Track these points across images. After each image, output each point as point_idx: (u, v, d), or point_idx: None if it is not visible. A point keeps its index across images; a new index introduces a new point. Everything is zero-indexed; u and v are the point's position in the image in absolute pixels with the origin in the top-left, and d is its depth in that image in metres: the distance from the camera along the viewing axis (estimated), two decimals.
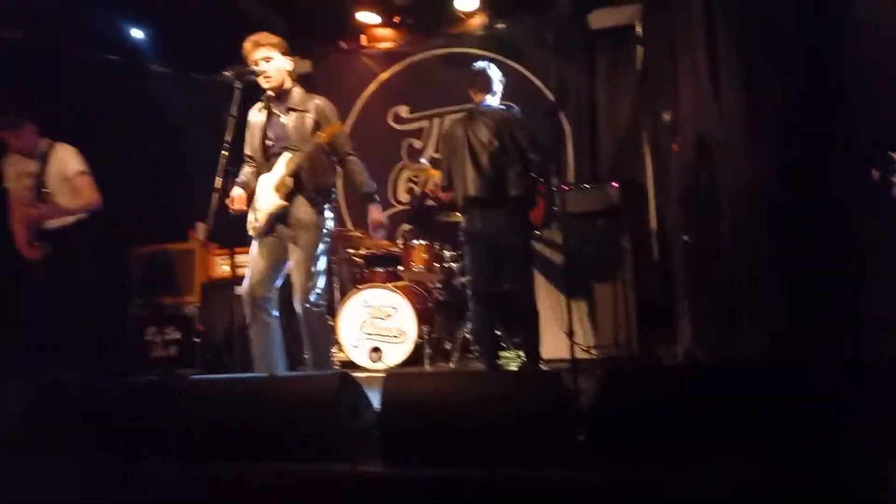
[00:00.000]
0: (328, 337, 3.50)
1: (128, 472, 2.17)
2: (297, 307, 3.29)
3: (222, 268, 5.12)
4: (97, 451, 2.23)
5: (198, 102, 5.87)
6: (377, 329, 4.70)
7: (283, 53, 3.31)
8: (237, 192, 3.34)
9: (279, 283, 3.43)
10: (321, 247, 3.32)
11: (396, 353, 4.62)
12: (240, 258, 4.83)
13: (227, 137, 3.13)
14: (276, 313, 3.39)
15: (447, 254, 4.88)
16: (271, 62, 3.27)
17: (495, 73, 3.95)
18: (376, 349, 4.66)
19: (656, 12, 4.52)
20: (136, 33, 5.62)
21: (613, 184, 4.62)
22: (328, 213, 3.38)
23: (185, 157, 5.71)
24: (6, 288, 4.38)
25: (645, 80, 5.16)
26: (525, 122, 3.75)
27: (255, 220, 3.36)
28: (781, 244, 2.45)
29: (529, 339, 3.80)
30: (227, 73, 3.24)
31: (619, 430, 1.98)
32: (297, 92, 3.38)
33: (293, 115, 3.32)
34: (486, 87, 3.89)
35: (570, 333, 3.08)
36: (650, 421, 1.95)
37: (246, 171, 3.43)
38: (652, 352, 4.32)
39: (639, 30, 5.32)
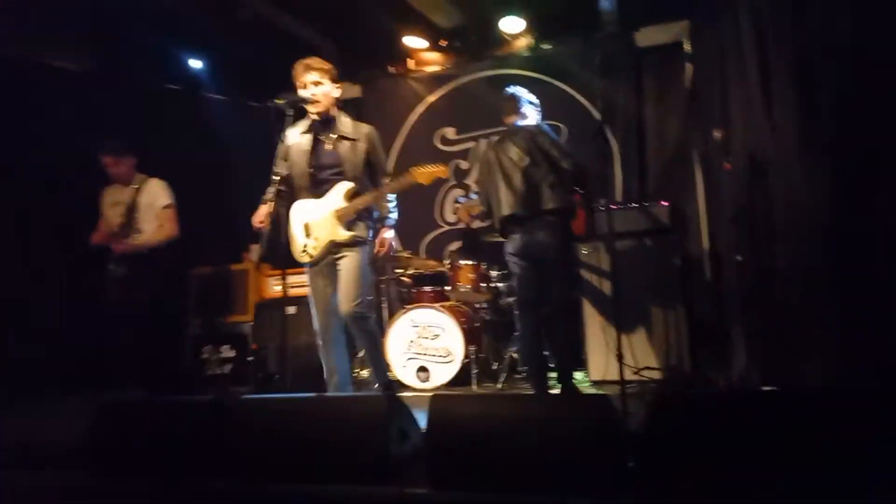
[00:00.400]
0: (372, 345, 3.55)
1: (183, 489, 2.23)
2: (344, 315, 3.36)
3: (274, 288, 5.25)
4: (156, 468, 2.30)
5: (252, 128, 6.09)
6: (424, 349, 4.72)
7: (332, 80, 3.38)
8: (264, 209, 3.36)
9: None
10: (366, 258, 3.41)
11: (443, 373, 4.63)
12: (291, 279, 4.97)
13: (278, 161, 3.20)
14: (342, 340, 3.54)
15: (494, 274, 4.88)
16: (320, 87, 3.33)
17: (524, 95, 4.04)
18: (423, 369, 4.68)
19: (705, 29, 4.46)
20: (195, 63, 5.87)
21: (663, 203, 4.54)
22: (370, 227, 3.47)
23: (240, 181, 5.92)
24: (81, 309, 4.64)
25: (694, 97, 5.08)
26: (553, 137, 3.80)
27: (307, 246, 3.41)
28: (838, 265, 2.36)
29: (562, 359, 3.77)
30: (279, 101, 3.33)
31: (670, 455, 1.93)
32: (346, 120, 3.45)
33: (345, 143, 3.37)
34: (514, 109, 3.99)
35: (620, 356, 3.03)
36: (703, 447, 1.90)
37: (272, 191, 3.31)
38: (704, 375, 4.20)
39: (687, 47, 5.26)
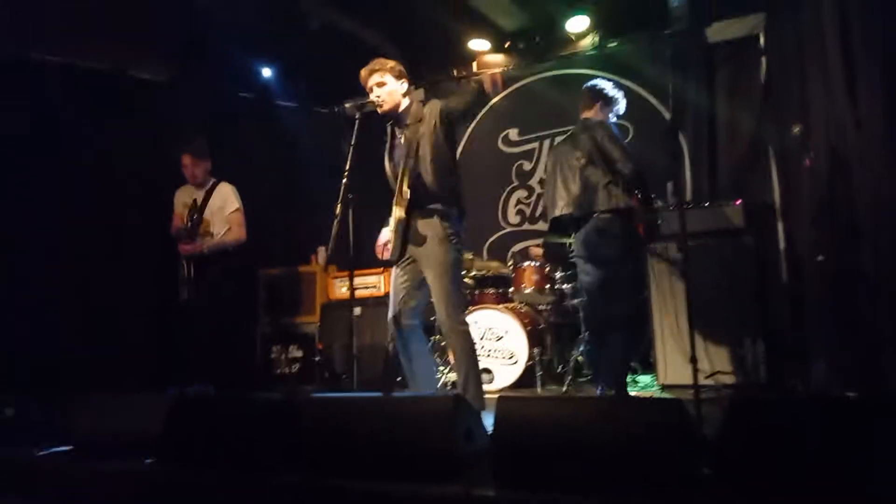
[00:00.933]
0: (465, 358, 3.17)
1: (254, 484, 2.30)
2: (441, 326, 3.20)
3: (341, 290, 5.35)
4: (226, 461, 2.38)
5: (321, 134, 6.24)
6: (488, 350, 4.71)
7: (397, 77, 3.30)
8: (382, 238, 3.37)
9: (422, 307, 3.31)
10: (452, 257, 3.16)
11: (507, 375, 4.61)
12: (358, 280, 5.07)
13: (347, 166, 3.25)
14: (420, 341, 3.30)
15: (558, 275, 4.82)
16: (384, 87, 3.28)
17: (601, 90, 3.89)
18: (487, 370, 4.67)
19: (782, 20, 4.28)
20: (266, 72, 6.07)
21: (736, 202, 4.38)
22: (453, 223, 3.21)
23: (308, 186, 6.08)
24: (159, 309, 4.88)
25: (770, 92, 4.88)
26: (616, 137, 3.66)
27: (391, 246, 3.32)
28: None
29: (613, 361, 3.63)
30: (347, 105, 3.38)
31: (747, 464, 1.85)
32: (415, 106, 3.32)
33: (409, 129, 3.27)
34: (587, 105, 3.87)
35: (694, 360, 2.93)
36: (781, 456, 1.82)
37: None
38: (781, 381, 4.02)
39: (761, 41, 5.06)
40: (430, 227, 3.18)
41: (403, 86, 3.33)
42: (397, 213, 3.25)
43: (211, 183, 4.67)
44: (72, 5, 4.64)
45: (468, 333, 3.17)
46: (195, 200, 4.60)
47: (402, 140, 3.30)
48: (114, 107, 5.22)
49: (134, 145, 5.31)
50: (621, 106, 3.94)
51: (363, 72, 3.36)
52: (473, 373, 3.12)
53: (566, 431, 2.04)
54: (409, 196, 3.18)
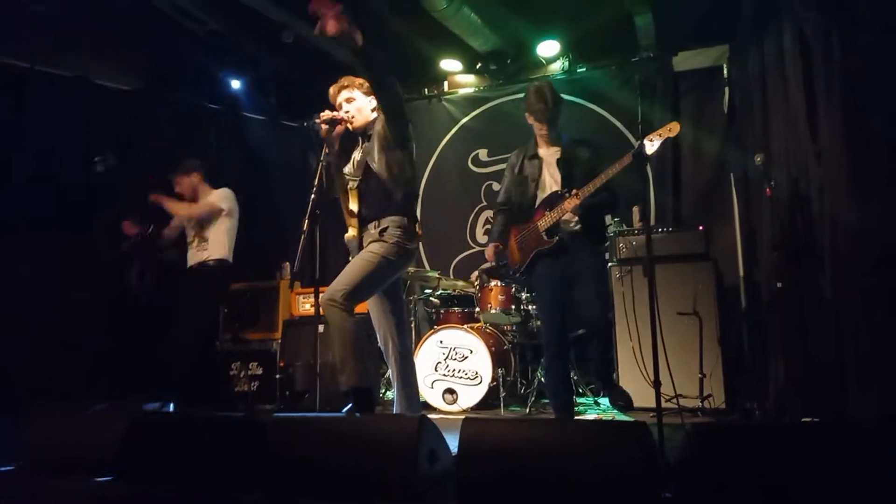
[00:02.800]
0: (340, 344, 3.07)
1: (211, 502, 2.22)
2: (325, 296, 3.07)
3: (304, 306, 5.27)
4: (185, 480, 2.30)
5: (290, 148, 6.19)
6: (452, 370, 4.68)
7: (366, 93, 3.27)
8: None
9: (398, 315, 3.28)
10: (375, 262, 3.05)
11: (471, 396, 4.57)
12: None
13: (316, 181, 3.21)
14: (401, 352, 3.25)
15: (524, 296, 4.84)
16: (353, 103, 3.25)
17: None
18: (451, 391, 4.63)
19: (746, 52, 4.41)
20: (235, 83, 6.00)
21: (699, 227, 4.47)
22: (394, 236, 3.09)
23: (276, 200, 6.01)
24: (121, 320, 4.74)
25: (733, 121, 5.02)
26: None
27: None
28: (892, 294, 2.27)
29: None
30: (316, 120, 3.34)
31: (708, 489, 1.86)
32: (379, 120, 3.22)
33: (365, 145, 3.25)
34: None
35: (658, 383, 2.94)
36: (743, 482, 1.83)
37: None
38: (741, 404, 4.08)
39: (725, 71, 5.21)
40: (371, 238, 3.15)
41: (372, 102, 3.29)
42: (350, 232, 3.27)
43: (204, 193, 4.62)
44: (36, 11, 4.54)
45: (343, 315, 3.01)
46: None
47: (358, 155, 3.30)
48: (77, 113, 5.10)
49: (98, 153, 5.19)
50: None
51: (332, 88, 3.33)
52: (348, 351, 3.03)
53: (531, 454, 2.03)
54: (357, 212, 3.20)
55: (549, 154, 3.46)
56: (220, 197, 4.52)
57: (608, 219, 4.72)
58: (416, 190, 3.29)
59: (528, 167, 3.50)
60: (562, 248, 3.30)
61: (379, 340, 3.32)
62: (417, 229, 3.20)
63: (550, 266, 3.33)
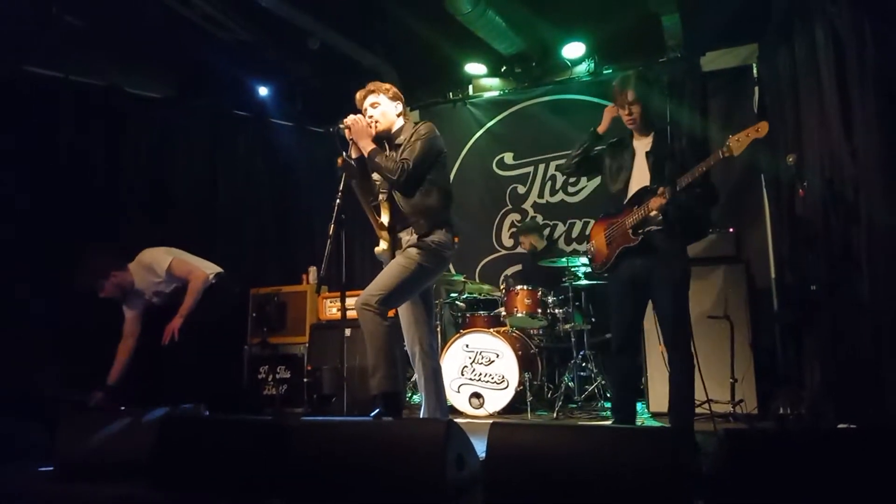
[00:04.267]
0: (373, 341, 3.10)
1: None
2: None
3: (331, 310, 5.30)
4: (215, 484, 2.33)
5: (317, 153, 6.25)
6: (478, 374, 4.66)
7: (391, 98, 3.30)
8: None
9: (428, 323, 3.31)
10: (411, 269, 3.07)
11: (498, 400, 4.55)
12: (351, 301, 5.02)
13: (341, 186, 3.23)
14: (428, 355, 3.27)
15: (550, 300, 4.80)
16: (378, 108, 3.27)
17: None
18: (477, 395, 4.62)
19: (775, 51, 4.34)
20: (263, 90, 6.07)
21: (730, 230, 4.39)
22: (431, 240, 3.12)
23: (303, 205, 6.07)
24: (145, 327, 4.79)
25: (763, 121, 4.92)
26: None
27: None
28: None
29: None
30: (341, 125, 3.36)
31: (741, 497, 1.82)
32: (407, 127, 3.29)
33: (396, 150, 3.25)
34: None
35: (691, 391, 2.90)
36: (776, 489, 1.79)
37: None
38: (774, 410, 3.99)
39: (755, 71, 5.12)
40: (407, 242, 3.18)
41: (398, 107, 3.33)
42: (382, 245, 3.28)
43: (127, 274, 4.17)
44: (68, 22, 4.65)
45: (377, 320, 3.03)
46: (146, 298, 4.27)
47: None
48: (108, 122, 5.21)
49: (128, 160, 5.30)
50: None
51: (359, 93, 3.37)
52: (381, 356, 3.04)
53: (558, 459, 2.01)
54: (389, 224, 3.23)
55: (640, 145, 3.33)
56: (161, 252, 4.18)
57: None
58: (448, 199, 3.25)
59: (619, 158, 3.37)
60: (646, 247, 3.17)
61: (406, 344, 3.33)
62: (454, 237, 3.22)
63: (631, 264, 3.22)
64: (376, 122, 3.26)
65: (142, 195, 5.31)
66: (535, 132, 6.06)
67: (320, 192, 6.12)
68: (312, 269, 5.52)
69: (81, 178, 5.03)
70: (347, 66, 5.68)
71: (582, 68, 5.89)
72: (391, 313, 3.17)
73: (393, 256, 3.23)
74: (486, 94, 6.35)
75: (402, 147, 3.18)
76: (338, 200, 3.22)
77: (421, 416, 3.31)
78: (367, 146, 3.15)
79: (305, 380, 5.01)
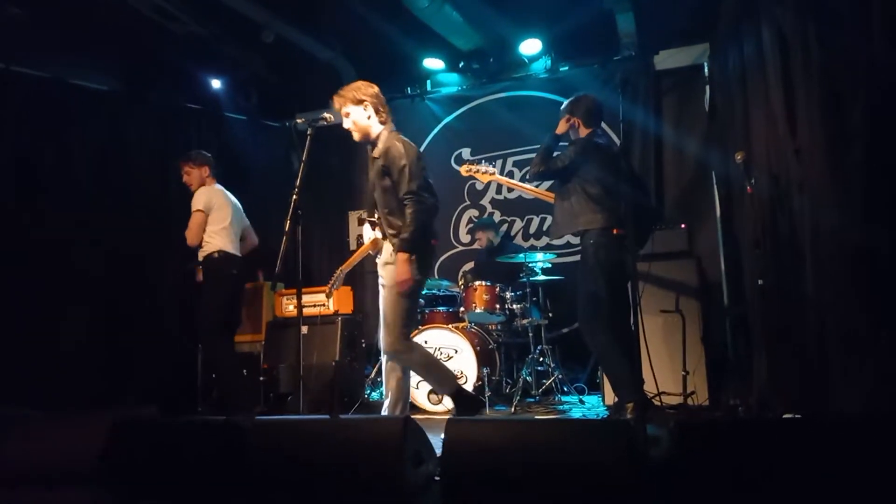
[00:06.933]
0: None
1: None
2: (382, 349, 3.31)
3: (287, 308, 5.22)
4: (168, 488, 2.27)
5: (271, 148, 6.13)
6: None
7: (356, 103, 3.26)
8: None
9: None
10: (404, 291, 3.20)
11: None
12: (306, 298, 4.95)
13: (298, 181, 3.19)
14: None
15: (508, 295, 4.83)
16: (349, 117, 3.28)
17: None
18: (436, 391, 4.61)
19: (725, 50, 4.45)
20: (216, 83, 5.93)
21: (681, 225, 4.49)
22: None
23: (257, 200, 5.94)
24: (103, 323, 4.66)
25: (714, 119, 5.06)
26: None
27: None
28: (873, 290, 2.29)
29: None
30: (298, 120, 3.32)
31: (691, 485, 1.87)
32: (382, 137, 3.29)
33: (375, 163, 3.30)
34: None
35: (641, 384, 2.96)
36: (725, 477, 1.84)
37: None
38: (725, 402, 4.11)
39: (706, 70, 5.24)
40: (389, 255, 3.30)
41: (367, 110, 3.28)
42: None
43: (198, 185, 4.53)
44: (11, 12, 4.46)
45: (412, 355, 3.33)
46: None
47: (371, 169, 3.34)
48: (52, 115, 5.03)
49: (76, 154, 5.13)
50: None
51: (334, 100, 3.35)
52: (436, 373, 3.41)
53: (516, 453, 2.03)
54: (379, 236, 3.37)
55: None
56: (195, 202, 4.43)
57: None
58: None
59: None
60: None
61: (381, 339, 3.38)
62: (431, 241, 3.35)
63: None
64: (352, 131, 3.30)
65: (90, 190, 5.14)
66: (492, 128, 6.08)
67: (275, 186, 6.03)
68: (259, 273, 5.45)
69: (26, 171, 4.84)
70: (303, 60, 5.60)
71: (539, 65, 5.94)
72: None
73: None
74: (444, 90, 6.35)
75: (393, 172, 3.20)
76: (294, 196, 3.18)
77: (384, 412, 3.35)
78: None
79: (261, 378, 4.93)
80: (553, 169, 3.64)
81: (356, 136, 3.30)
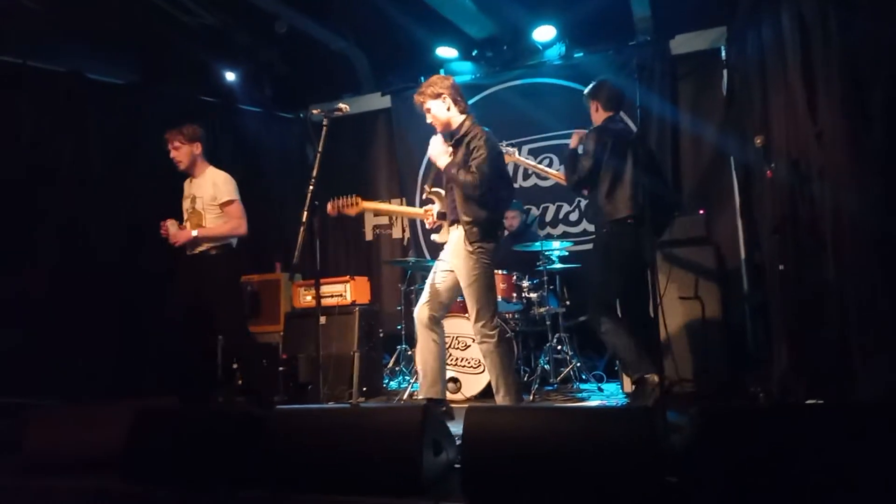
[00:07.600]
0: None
1: (220, 500, 2.22)
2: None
3: (306, 298, 5.26)
4: (189, 476, 2.30)
5: (287, 139, 6.14)
6: (455, 359, 4.68)
7: (435, 97, 3.35)
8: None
9: (447, 306, 3.55)
10: (477, 270, 3.30)
11: (474, 384, 4.57)
12: (324, 289, 4.99)
13: (314, 173, 3.20)
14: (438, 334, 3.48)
15: (525, 284, 4.83)
16: (430, 112, 3.37)
17: None
18: (454, 380, 4.63)
19: (744, 34, 4.38)
20: (230, 75, 5.95)
21: (700, 211, 4.45)
22: (480, 242, 3.29)
23: (274, 192, 5.98)
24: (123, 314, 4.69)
25: (732, 104, 4.99)
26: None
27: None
28: (894, 275, 2.26)
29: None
30: (314, 111, 3.33)
31: (713, 472, 1.86)
32: (465, 126, 3.38)
33: (457, 151, 3.35)
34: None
35: (661, 369, 2.94)
36: (747, 464, 1.83)
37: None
38: (744, 388, 4.08)
39: (723, 53, 5.17)
40: (458, 239, 3.36)
41: (446, 102, 3.36)
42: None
43: (202, 171, 4.15)
44: (27, 6, 4.50)
45: (504, 345, 3.38)
46: (190, 193, 4.14)
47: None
48: (70, 109, 5.07)
49: (92, 148, 5.17)
50: None
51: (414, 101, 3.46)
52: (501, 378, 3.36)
53: (535, 441, 2.03)
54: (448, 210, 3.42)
55: None
56: (226, 191, 4.08)
57: None
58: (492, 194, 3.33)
59: None
60: None
61: (422, 312, 3.49)
62: (497, 231, 3.41)
63: None
64: (435, 125, 3.39)
65: (105, 182, 5.18)
66: (507, 116, 6.04)
67: (290, 177, 6.06)
68: (277, 265, 5.48)
69: (43, 166, 4.89)
70: (316, 50, 5.60)
71: (553, 52, 5.88)
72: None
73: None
74: (458, 79, 6.30)
75: (471, 154, 3.26)
76: (311, 187, 3.19)
77: (420, 396, 3.47)
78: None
79: (281, 368, 4.97)
80: (583, 174, 3.63)
81: (438, 129, 3.37)
